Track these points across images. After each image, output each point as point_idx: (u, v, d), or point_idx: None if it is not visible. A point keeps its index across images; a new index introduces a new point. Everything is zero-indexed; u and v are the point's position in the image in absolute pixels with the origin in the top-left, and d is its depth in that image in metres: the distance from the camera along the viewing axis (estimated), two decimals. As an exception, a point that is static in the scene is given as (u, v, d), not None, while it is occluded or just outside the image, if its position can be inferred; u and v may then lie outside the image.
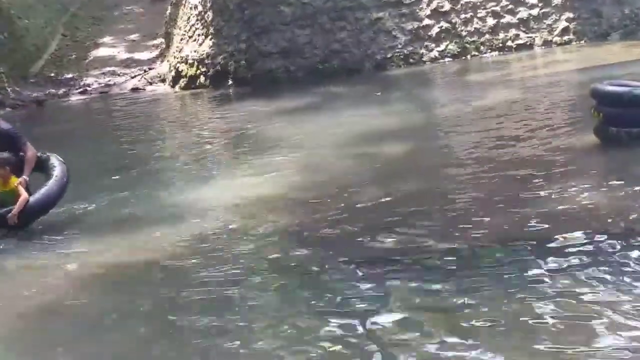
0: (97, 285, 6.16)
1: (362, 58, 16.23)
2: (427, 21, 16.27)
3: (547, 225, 6.06)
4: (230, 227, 7.16)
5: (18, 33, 20.61)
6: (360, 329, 4.76)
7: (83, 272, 6.45)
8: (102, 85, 19.32)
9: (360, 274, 5.62)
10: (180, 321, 5.28)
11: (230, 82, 16.86)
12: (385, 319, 4.86)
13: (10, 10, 20.53)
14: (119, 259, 6.66)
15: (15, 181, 7.61)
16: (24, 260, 7.05)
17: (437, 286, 5.23)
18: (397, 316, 4.88)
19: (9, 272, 6.83)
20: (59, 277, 6.43)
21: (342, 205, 7.29)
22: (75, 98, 18.64)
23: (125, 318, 5.49)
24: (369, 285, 5.42)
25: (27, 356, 5.13)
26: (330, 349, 4.56)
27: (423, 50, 16.14)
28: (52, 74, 20.29)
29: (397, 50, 16.22)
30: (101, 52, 21.26)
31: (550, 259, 5.38)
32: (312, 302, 5.26)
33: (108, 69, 20.26)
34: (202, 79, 17.38)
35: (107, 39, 21.91)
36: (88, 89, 19.21)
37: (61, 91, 19.20)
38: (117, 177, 10.10)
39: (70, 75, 20.10)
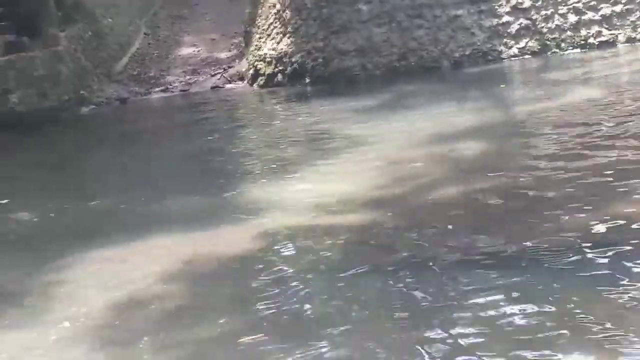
0: (179, 278, 6.28)
1: (440, 56, 16.13)
2: (506, 18, 16.07)
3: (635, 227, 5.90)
4: (308, 224, 7.22)
5: (102, 32, 21.17)
6: (445, 327, 4.77)
7: (166, 265, 6.57)
8: (183, 83, 19.68)
9: (439, 271, 5.61)
10: (261, 314, 5.37)
11: (307, 80, 16.99)
12: (469, 318, 4.86)
13: (95, 9, 21.10)
14: (200, 253, 6.80)
15: None
16: (108, 252, 7.26)
17: (518, 283, 5.18)
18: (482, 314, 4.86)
19: (94, 263, 7.01)
20: (142, 270, 6.58)
21: (421, 203, 7.28)
22: (156, 96, 19.05)
23: (206, 310, 5.60)
24: (450, 283, 5.39)
25: (112, 346, 5.26)
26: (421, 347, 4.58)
27: (502, 48, 15.96)
28: (135, 72, 20.77)
29: (475, 47, 16.07)
30: (182, 50, 21.65)
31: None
32: (394, 300, 5.28)
33: (189, 67, 20.63)
34: (279, 77, 17.55)
35: (188, 38, 22.29)
36: (169, 87, 19.60)
37: (143, 89, 19.64)
38: (196, 173, 10.31)
39: (152, 74, 20.54)
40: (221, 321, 5.36)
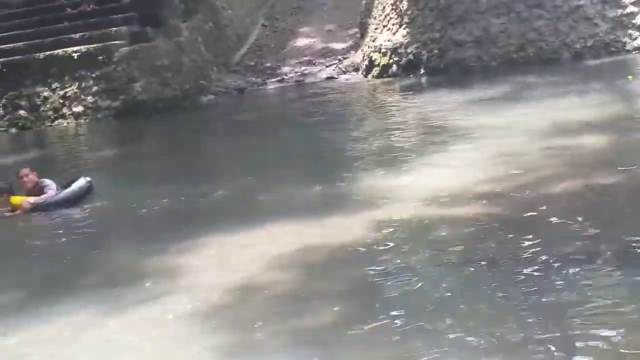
0: (294, 265, 6.37)
1: (560, 47, 15.72)
2: (631, 8, 15.49)
3: None
4: (420, 215, 7.19)
5: (222, 23, 21.65)
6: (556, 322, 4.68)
7: (281, 251, 6.69)
8: (298, 74, 19.91)
9: (558, 266, 5.49)
10: (372, 302, 5.41)
11: (422, 71, 16.88)
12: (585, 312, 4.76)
13: (216, 1, 21.60)
14: (314, 241, 6.89)
15: (19, 200, 9.58)
16: (226, 237, 7.45)
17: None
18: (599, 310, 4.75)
19: (212, 248, 7.21)
20: (259, 255, 6.71)
21: (538, 197, 7.14)
22: (272, 86, 19.34)
23: (320, 297, 5.67)
24: (569, 279, 5.28)
25: (228, 329, 5.38)
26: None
27: (626, 39, 15.39)
28: (252, 63, 21.15)
29: (597, 38, 15.57)
30: (299, 42, 21.87)
31: None
32: (508, 293, 5.22)
33: (304, 58, 20.84)
34: (394, 67, 17.51)
35: (304, 29, 22.50)
36: (285, 77, 19.87)
37: (260, 79, 19.98)
38: (310, 162, 10.44)
39: (268, 64, 20.86)
40: (335, 308, 5.42)
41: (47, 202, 9.48)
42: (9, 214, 9.61)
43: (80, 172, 10.87)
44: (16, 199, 9.57)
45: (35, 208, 9.47)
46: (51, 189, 9.63)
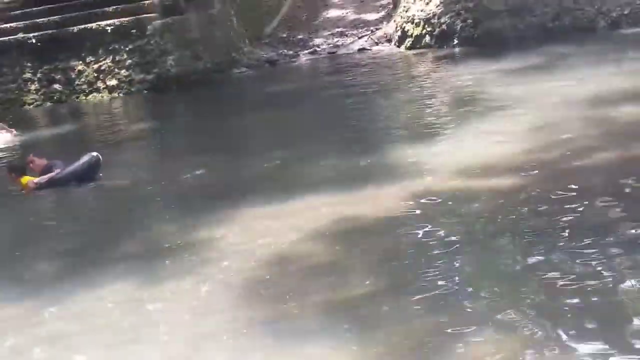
0: (327, 237, 6.39)
1: (596, 15, 15.47)
2: (670, -25, 15.16)
3: None
4: (455, 186, 7.17)
5: (254, -5, 21.58)
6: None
7: (314, 224, 6.70)
8: (331, 45, 19.82)
9: (593, 240, 5.45)
10: (405, 276, 5.42)
11: (455, 41, 16.71)
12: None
13: (247, -27, 21.51)
14: (347, 213, 6.89)
15: (26, 180, 9.69)
16: (259, 210, 7.48)
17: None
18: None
19: (245, 221, 7.24)
20: (291, 228, 6.74)
21: (575, 169, 7.07)
22: (304, 58, 19.28)
23: (353, 270, 5.69)
24: (600, 253, 5.23)
25: (261, 300, 5.43)
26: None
27: (664, 7, 15.10)
28: (284, 35, 21.09)
29: (634, 6, 15.28)
30: (331, 13, 21.75)
31: None
32: (539, 269, 5.19)
33: (337, 29, 20.73)
34: (427, 38, 17.35)
35: (336, 0, 22.38)
36: (317, 49, 19.79)
37: (292, 52, 19.92)
38: (344, 135, 10.41)
39: (300, 36, 20.79)
40: (368, 281, 5.44)
41: (50, 181, 9.63)
42: (25, 189, 9.77)
43: (88, 147, 10.88)
44: (25, 179, 9.77)
45: (40, 187, 9.65)
46: (57, 168, 9.79)
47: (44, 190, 9.62)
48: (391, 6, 20.10)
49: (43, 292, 6.21)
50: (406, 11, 18.05)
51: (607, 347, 4.11)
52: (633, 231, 5.49)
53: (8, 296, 6.29)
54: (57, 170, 9.76)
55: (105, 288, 6.08)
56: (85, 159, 9.79)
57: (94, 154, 9.88)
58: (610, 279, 4.84)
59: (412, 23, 17.71)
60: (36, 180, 9.70)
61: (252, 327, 5.03)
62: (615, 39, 14.36)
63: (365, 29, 20.30)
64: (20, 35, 19.62)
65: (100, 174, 9.79)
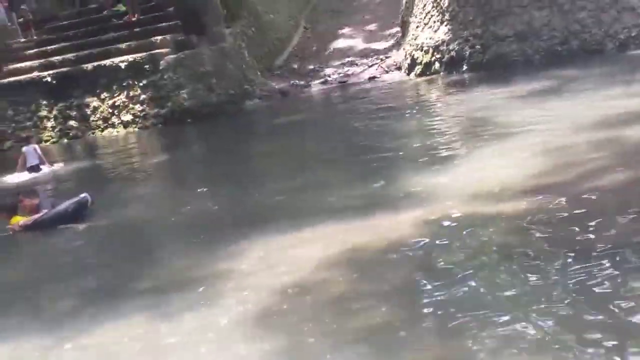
0: (344, 265, 6.41)
1: (604, 38, 15.54)
2: (677, -4, 15.24)
3: None
4: (468, 211, 7.18)
5: (264, 27, 21.83)
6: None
7: (330, 252, 6.73)
8: (341, 75, 19.99)
9: (608, 260, 5.47)
10: (423, 303, 5.44)
11: (464, 67, 16.82)
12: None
13: (257, 6, 21.79)
14: (362, 240, 6.91)
15: (15, 220, 9.90)
16: (275, 239, 7.52)
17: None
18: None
19: (262, 250, 7.27)
20: (307, 257, 6.76)
21: (587, 191, 7.06)
22: (316, 88, 19.43)
23: (370, 298, 5.71)
24: (616, 273, 5.26)
25: (280, 331, 5.45)
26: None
27: (672, 28, 15.16)
28: (295, 66, 21.28)
29: (642, 28, 15.36)
30: (340, 43, 21.95)
31: None
32: (556, 291, 5.22)
33: (347, 59, 20.91)
34: (436, 65, 17.48)
35: (345, 30, 22.58)
36: (328, 79, 19.96)
37: (303, 82, 20.10)
38: (357, 162, 10.47)
39: (311, 67, 20.97)
40: (384, 309, 5.45)
41: (35, 223, 9.76)
42: (11, 230, 9.92)
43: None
44: (15, 219, 9.93)
45: (26, 228, 9.78)
46: (45, 209, 9.94)
47: (34, 230, 9.74)
48: (400, 34, 20.27)
49: (61, 328, 6.27)
50: (415, 39, 18.21)
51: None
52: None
53: (26, 332, 6.34)
54: (44, 211, 9.89)
55: (122, 323, 6.12)
56: (73, 199, 9.90)
57: (83, 195, 9.97)
58: (627, 301, 4.86)
59: (421, 50, 17.85)
60: (21, 222, 9.83)
61: (268, 358, 5.06)
62: (624, 60, 14.40)
63: (374, 57, 20.47)
64: (36, 73, 19.92)
65: (87, 212, 9.89)
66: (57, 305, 6.95)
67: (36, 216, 9.82)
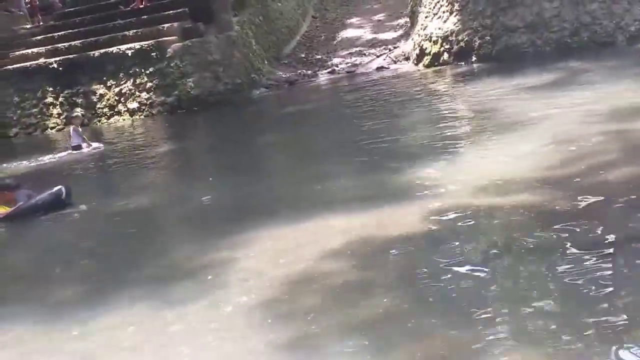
0: (347, 256, 6.39)
1: (614, 30, 15.43)
2: (689, -12, 15.12)
3: None
4: (474, 203, 7.14)
5: (272, 16, 21.74)
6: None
7: (334, 243, 6.71)
8: (349, 65, 19.91)
9: (617, 255, 5.41)
10: (427, 293, 5.41)
11: (473, 58, 16.73)
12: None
13: (265, -6, 21.72)
14: (367, 231, 6.89)
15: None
16: (280, 230, 7.51)
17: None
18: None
19: (266, 241, 7.26)
20: (311, 247, 6.74)
21: (595, 184, 7.03)
22: (323, 78, 19.37)
23: (374, 288, 5.69)
24: (625, 268, 5.21)
25: (284, 320, 5.43)
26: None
27: (683, 20, 15.04)
28: (303, 55, 21.22)
29: (653, 20, 15.25)
30: (348, 32, 21.89)
31: None
32: (562, 284, 5.18)
33: (355, 49, 20.84)
34: (445, 55, 17.39)
35: (354, 20, 22.51)
36: (336, 68, 19.89)
37: (310, 71, 20.03)
38: (362, 153, 10.43)
39: (319, 56, 20.90)
40: (386, 300, 5.43)
41: (8, 216, 10.04)
42: None
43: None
44: None
45: (3, 219, 10.03)
46: (21, 201, 10.19)
47: (11, 221, 9.96)
48: (408, 25, 20.17)
49: (65, 315, 6.26)
50: (424, 29, 18.11)
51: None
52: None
53: (31, 319, 6.35)
54: (20, 203, 10.12)
55: (126, 310, 6.11)
56: (48, 192, 10.13)
57: (58, 187, 10.18)
58: (633, 295, 4.81)
59: (430, 41, 17.75)
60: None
61: (273, 348, 5.03)
62: (634, 53, 14.31)
63: (383, 47, 20.38)
64: (42, 60, 19.88)
65: (70, 202, 10.11)
66: (62, 292, 6.95)
67: (11, 209, 10.05)
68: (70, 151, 15.42)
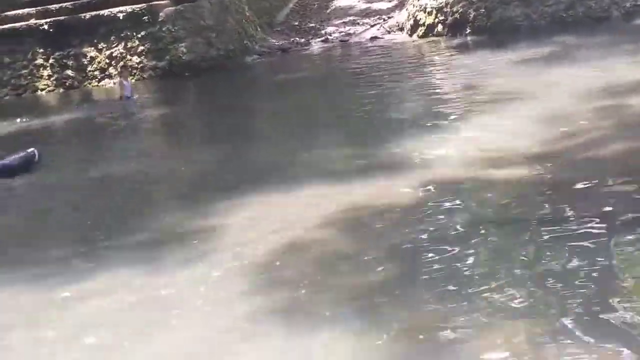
0: (337, 226, 6.41)
1: (610, 6, 15.37)
2: (685, -35, 15.06)
3: None
4: (466, 177, 7.16)
5: (266, -18, 21.53)
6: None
7: (324, 212, 6.72)
8: (343, 34, 19.78)
9: (604, 229, 5.44)
10: (417, 264, 5.43)
11: (468, 30, 16.65)
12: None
13: (259, -40, 21.47)
14: (357, 202, 6.90)
15: None
16: (269, 198, 7.51)
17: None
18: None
19: (255, 208, 7.26)
20: (301, 216, 6.77)
21: (587, 159, 7.05)
22: (316, 46, 19.25)
23: (363, 258, 5.71)
24: (610, 243, 5.24)
25: (272, 286, 5.46)
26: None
27: (679, -3, 14.99)
28: (296, 23, 21.06)
29: (649, -3, 15.19)
30: (342, 1, 21.71)
31: None
32: (548, 258, 5.20)
33: (348, 18, 20.69)
34: (439, 27, 17.30)
35: (348, -12, 22.32)
36: (329, 37, 19.75)
37: (303, 39, 19.89)
38: (355, 124, 10.41)
39: (312, 24, 20.75)
40: (378, 269, 5.46)
41: None
42: None
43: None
44: None
45: None
46: None
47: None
48: (403, -6, 20.03)
49: (55, 278, 6.25)
50: (418, 0, 17.99)
51: (621, 337, 4.12)
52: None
53: (21, 282, 6.34)
54: None
55: (117, 275, 6.12)
56: (21, 154, 10.23)
57: (31, 149, 10.27)
58: (623, 266, 4.85)
59: (425, 12, 17.65)
60: None
61: (264, 314, 5.06)
62: (629, 29, 14.28)
63: (377, 17, 20.25)
64: (33, 21, 19.67)
65: (36, 167, 10.14)
66: (51, 256, 6.94)
67: None
68: (124, 101, 15.60)
